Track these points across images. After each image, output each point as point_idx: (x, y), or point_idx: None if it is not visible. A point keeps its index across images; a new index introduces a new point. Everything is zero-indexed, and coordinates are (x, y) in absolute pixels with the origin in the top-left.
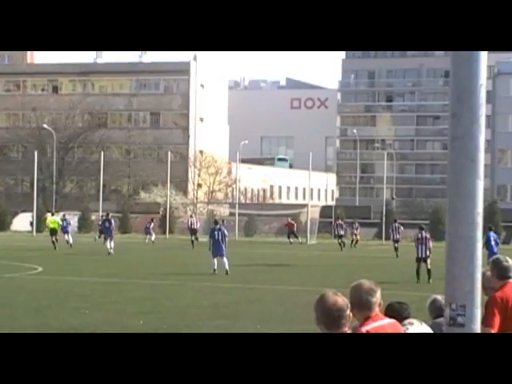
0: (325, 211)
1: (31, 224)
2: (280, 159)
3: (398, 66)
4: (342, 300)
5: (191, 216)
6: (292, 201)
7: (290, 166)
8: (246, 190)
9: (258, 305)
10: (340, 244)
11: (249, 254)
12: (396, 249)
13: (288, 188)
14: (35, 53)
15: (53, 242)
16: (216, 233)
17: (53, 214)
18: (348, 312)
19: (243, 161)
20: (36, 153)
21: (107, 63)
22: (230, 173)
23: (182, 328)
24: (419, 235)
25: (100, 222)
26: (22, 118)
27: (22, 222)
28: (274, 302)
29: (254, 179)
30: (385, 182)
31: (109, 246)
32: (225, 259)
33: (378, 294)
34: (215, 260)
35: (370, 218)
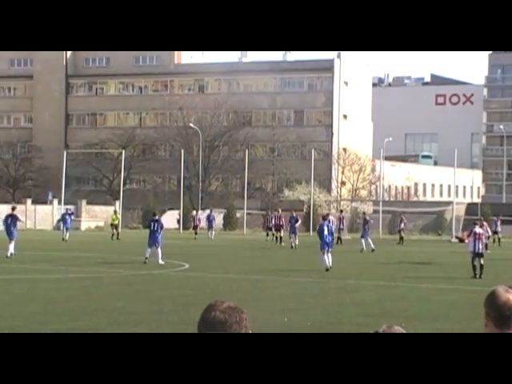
0: (470, 209)
1: (178, 221)
2: (424, 156)
3: None
4: None
5: (276, 210)
6: (437, 198)
7: (435, 163)
8: (389, 187)
9: (402, 303)
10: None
11: (393, 251)
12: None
13: (432, 185)
14: (182, 53)
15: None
16: (152, 223)
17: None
18: None
19: (387, 158)
20: (183, 151)
21: (252, 62)
22: (373, 170)
23: (325, 325)
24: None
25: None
26: (169, 117)
27: (170, 219)
28: (419, 300)
29: (397, 176)
30: None
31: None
32: (159, 250)
33: None
34: (149, 250)
35: None
